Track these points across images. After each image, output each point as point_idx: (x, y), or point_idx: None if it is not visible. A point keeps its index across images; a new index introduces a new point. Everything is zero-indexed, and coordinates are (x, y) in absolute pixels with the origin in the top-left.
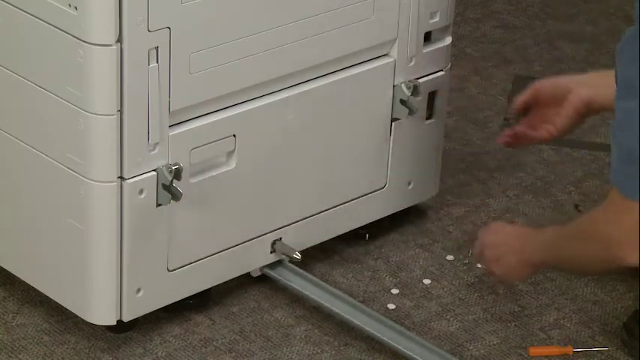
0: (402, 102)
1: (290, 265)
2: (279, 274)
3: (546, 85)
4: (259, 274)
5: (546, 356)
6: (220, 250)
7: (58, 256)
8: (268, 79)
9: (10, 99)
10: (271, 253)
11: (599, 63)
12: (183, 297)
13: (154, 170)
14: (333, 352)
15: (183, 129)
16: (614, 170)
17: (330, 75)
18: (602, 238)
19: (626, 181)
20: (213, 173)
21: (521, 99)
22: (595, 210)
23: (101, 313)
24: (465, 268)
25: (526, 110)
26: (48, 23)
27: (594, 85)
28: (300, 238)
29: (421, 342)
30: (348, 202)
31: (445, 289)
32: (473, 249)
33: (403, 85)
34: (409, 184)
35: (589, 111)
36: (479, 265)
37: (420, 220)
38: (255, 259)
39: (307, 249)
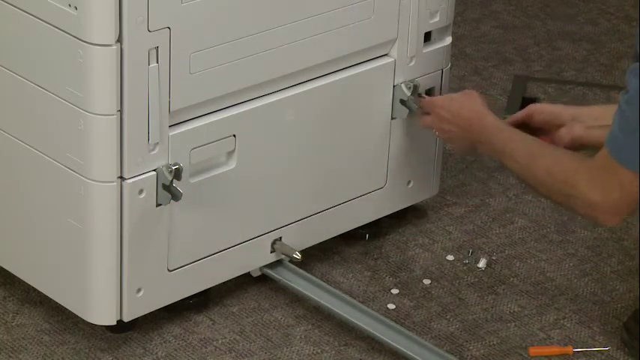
0: (402, 102)
1: (290, 265)
2: (279, 274)
3: (543, 111)
4: (259, 274)
5: (546, 356)
6: (220, 250)
7: (58, 256)
8: (268, 79)
9: (10, 99)
10: (271, 253)
11: (598, 63)
12: (183, 297)
13: (154, 170)
14: (333, 352)
15: (183, 129)
16: (613, 137)
17: (330, 75)
18: (581, 197)
19: (625, 149)
20: (213, 173)
21: (514, 117)
22: (580, 164)
23: (101, 313)
24: (465, 268)
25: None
26: (48, 23)
27: (591, 121)
28: (300, 238)
29: (421, 342)
30: (347, 201)
31: (445, 289)
32: (432, 112)
33: (403, 85)
34: (409, 183)
35: (580, 147)
36: (479, 266)
37: (420, 220)
38: (255, 259)
39: (307, 249)
